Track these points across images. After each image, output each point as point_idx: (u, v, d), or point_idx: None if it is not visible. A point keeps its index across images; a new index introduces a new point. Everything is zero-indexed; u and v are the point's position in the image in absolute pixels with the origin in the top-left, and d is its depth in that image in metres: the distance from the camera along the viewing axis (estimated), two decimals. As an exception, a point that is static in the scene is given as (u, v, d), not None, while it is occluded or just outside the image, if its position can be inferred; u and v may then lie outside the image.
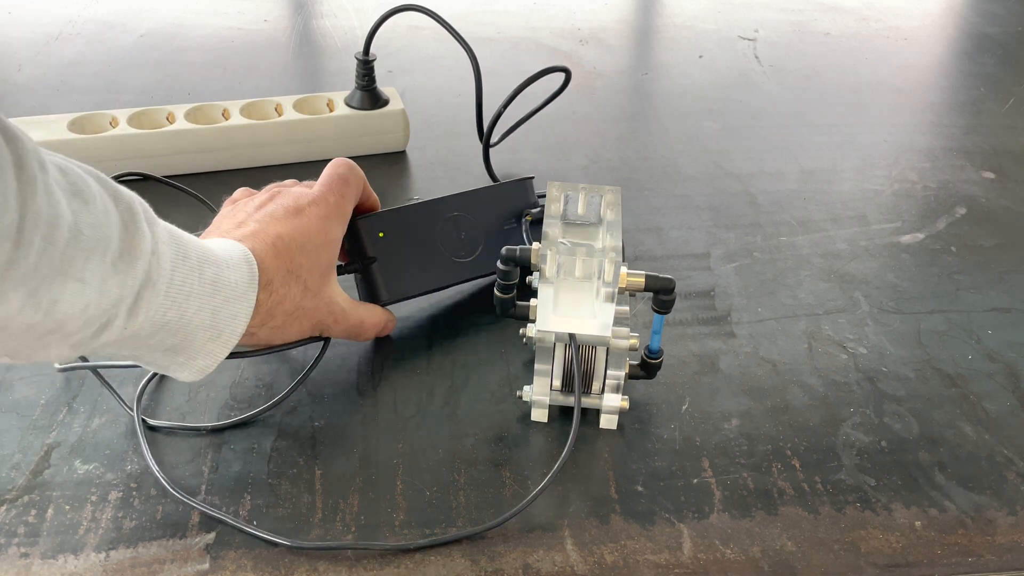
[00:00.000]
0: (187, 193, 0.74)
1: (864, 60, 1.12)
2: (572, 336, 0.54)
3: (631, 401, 0.59)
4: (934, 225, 0.79)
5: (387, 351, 0.63)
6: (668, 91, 1.04)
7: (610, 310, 0.52)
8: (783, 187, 0.84)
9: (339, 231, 0.57)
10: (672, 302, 0.55)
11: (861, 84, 1.06)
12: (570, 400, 0.57)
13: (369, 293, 0.62)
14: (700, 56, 1.12)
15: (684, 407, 0.59)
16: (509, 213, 0.67)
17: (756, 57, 1.12)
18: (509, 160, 0.87)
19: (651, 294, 0.55)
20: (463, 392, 0.60)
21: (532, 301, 0.58)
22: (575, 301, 0.53)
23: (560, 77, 0.83)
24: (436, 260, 0.64)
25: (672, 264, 0.73)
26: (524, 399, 0.57)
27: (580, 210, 0.55)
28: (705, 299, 0.69)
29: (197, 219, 0.72)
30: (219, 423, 0.56)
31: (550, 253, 0.51)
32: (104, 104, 0.93)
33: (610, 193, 0.55)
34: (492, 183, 0.69)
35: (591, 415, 0.58)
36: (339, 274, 0.62)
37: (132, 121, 0.81)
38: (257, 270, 0.51)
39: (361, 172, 0.60)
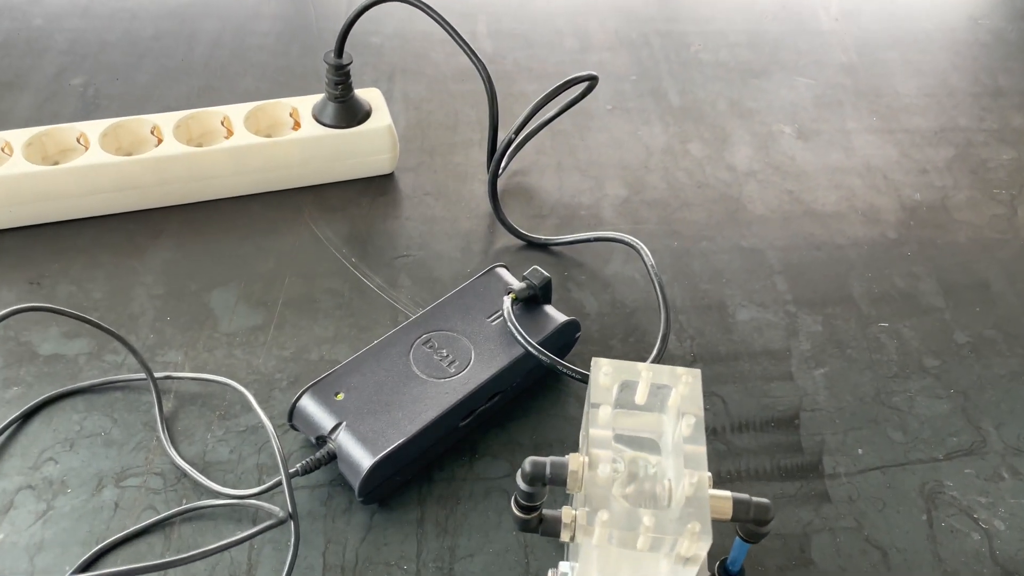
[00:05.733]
0: (85, 321, 0.49)
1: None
2: (624, 593, 0.38)
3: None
4: (1080, 303, 0.61)
5: (363, 529, 0.47)
6: (725, 76, 0.82)
7: (683, 572, 0.36)
8: (879, 235, 0.65)
9: None
10: (766, 534, 0.38)
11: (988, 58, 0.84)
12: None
13: (353, 469, 0.46)
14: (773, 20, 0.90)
15: (767, 634, 0.44)
16: (489, 308, 0.53)
17: (836, 19, 0.90)
18: (521, 191, 0.68)
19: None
20: (466, 608, 0.44)
21: (565, 512, 0.41)
22: (633, 568, 0.36)
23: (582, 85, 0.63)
24: (423, 392, 0.48)
25: (742, 368, 0.56)
26: (550, 639, 0.42)
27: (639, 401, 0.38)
28: (788, 432, 0.52)
29: (100, 344, 0.54)
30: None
31: (599, 523, 0.34)
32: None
33: (685, 384, 0.37)
34: (453, 291, 0.54)
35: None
36: (307, 471, 0.46)
37: (30, 149, 0.61)
38: None
39: None
